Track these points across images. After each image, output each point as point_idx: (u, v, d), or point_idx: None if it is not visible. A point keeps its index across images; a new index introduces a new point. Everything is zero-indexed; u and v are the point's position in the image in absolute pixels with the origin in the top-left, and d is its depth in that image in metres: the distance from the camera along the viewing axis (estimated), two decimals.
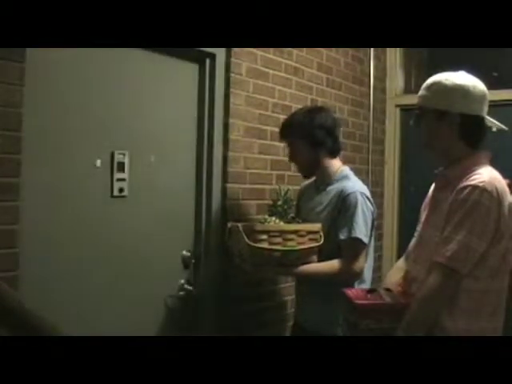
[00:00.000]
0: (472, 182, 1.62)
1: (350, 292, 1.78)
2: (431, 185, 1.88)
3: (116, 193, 2.07)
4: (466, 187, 1.62)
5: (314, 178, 2.37)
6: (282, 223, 2.11)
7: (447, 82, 1.73)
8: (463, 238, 1.59)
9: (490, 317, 1.67)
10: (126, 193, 2.10)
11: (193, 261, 2.39)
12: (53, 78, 1.86)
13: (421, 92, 1.79)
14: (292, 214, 2.21)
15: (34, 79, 1.76)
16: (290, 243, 2.07)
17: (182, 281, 2.35)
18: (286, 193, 2.15)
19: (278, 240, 2.06)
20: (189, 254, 2.38)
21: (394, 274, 1.93)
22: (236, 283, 2.48)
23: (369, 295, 1.76)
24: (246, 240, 2.02)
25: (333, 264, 2.14)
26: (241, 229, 2.06)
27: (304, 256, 2.12)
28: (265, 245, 2.04)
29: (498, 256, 1.64)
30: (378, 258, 3.63)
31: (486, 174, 1.65)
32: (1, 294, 1.29)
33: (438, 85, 1.74)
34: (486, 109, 1.74)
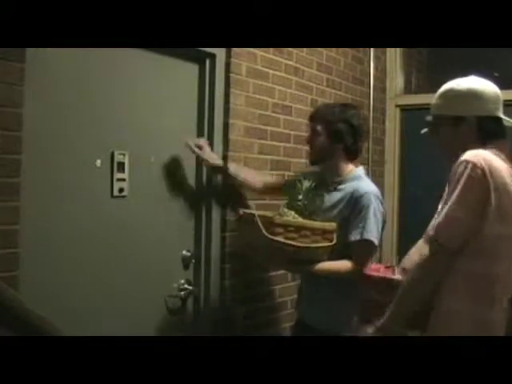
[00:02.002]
0: (459, 159, 1.65)
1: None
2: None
3: (116, 193, 2.06)
4: (455, 165, 1.65)
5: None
6: (300, 219, 2.03)
7: (460, 88, 1.76)
8: (448, 210, 1.62)
9: (489, 303, 1.65)
10: (125, 193, 2.10)
11: (193, 261, 2.39)
12: (53, 78, 1.86)
13: (434, 101, 1.82)
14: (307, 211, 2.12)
15: (34, 79, 1.76)
16: (304, 240, 1.98)
17: (182, 281, 2.35)
18: (308, 188, 2.09)
19: (293, 235, 1.97)
20: (189, 253, 2.38)
21: (414, 253, 1.93)
22: (236, 283, 2.48)
23: (382, 268, 2.00)
24: (263, 231, 1.92)
25: (345, 264, 2.10)
26: (257, 219, 1.95)
27: (316, 255, 2.06)
28: (280, 238, 1.94)
29: (493, 237, 1.63)
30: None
31: (476, 152, 1.66)
32: (1, 294, 1.29)
33: (451, 92, 1.78)
34: (500, 108, 1.76)
